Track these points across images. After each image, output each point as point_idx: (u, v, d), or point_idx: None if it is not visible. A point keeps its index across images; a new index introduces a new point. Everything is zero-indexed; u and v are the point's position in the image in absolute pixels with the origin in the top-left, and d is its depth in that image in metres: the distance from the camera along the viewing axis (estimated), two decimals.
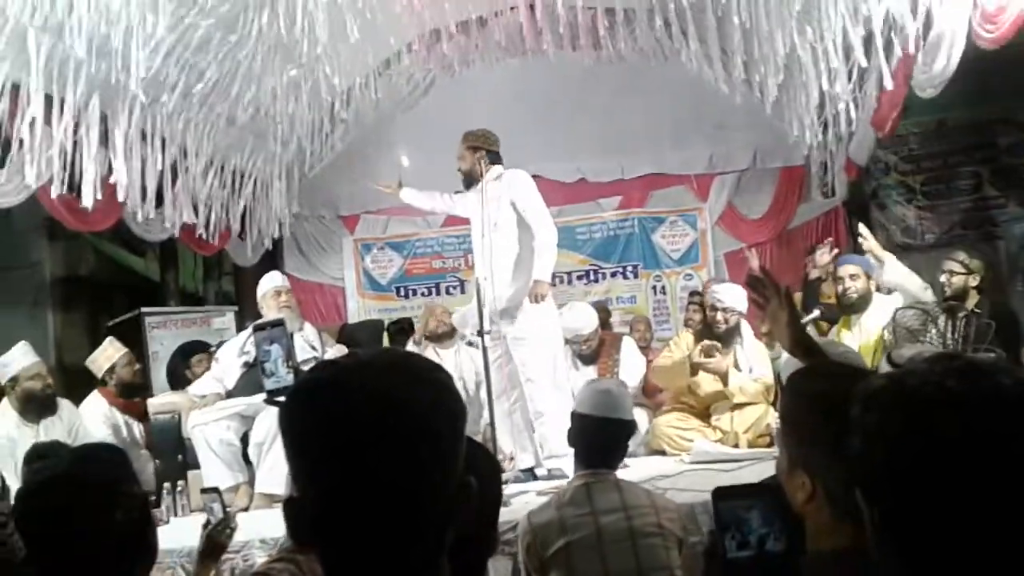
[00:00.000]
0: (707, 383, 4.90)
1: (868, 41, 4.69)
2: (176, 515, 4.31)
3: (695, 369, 4.85)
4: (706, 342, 4.87)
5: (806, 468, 1.33)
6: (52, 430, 4.58)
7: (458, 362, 5.26)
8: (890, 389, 0.91)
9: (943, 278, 4.59)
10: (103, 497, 1.45)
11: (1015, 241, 6.06)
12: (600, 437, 2.74)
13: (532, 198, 4.78)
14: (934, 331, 4.15)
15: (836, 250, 5.96)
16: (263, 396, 4.39)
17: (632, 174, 8.13)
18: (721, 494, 1.18)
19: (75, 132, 4.65)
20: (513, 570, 2.99)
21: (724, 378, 4.80)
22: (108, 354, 5.45)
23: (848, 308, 4.70)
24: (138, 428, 5.43)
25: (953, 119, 7.47)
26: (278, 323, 4.36)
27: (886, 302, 4.60)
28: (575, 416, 2.82)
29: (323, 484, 0.88)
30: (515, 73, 7.66)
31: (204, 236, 6.37)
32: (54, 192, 4.59)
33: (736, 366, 4.89)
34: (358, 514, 0.87)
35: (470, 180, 4.86)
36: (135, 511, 1.48)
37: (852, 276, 4.67)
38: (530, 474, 4.60)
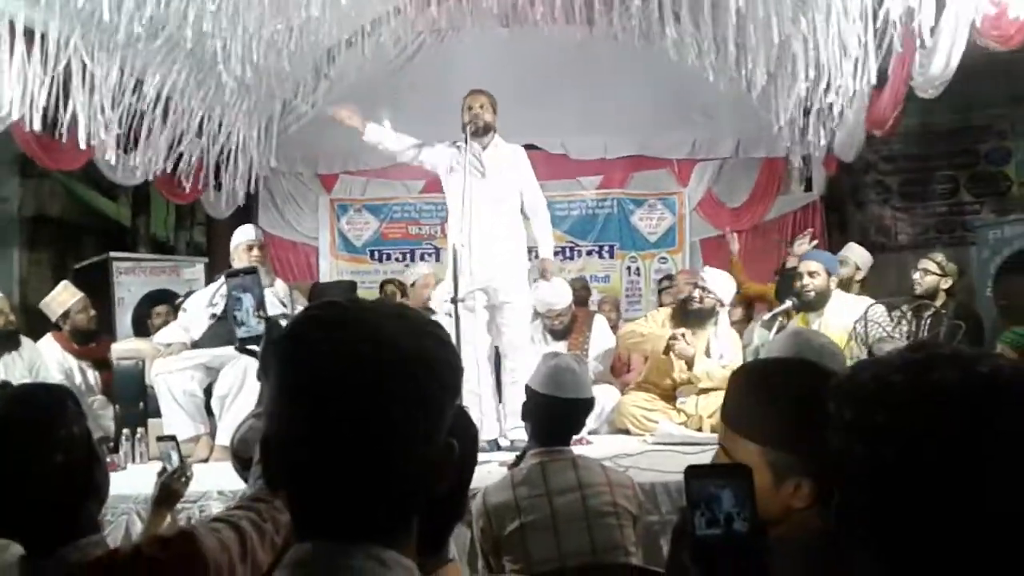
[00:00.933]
0: (676, 367, 4.92)
1: (866, 36, 4.68)
2: (134, 462, 4.27)
3: (667, 348, 4.86)
4: (679, 329, 4.87)
5: (803, 471, 1.34)
6: (12, 368, 4.52)
7: None
8: (848, 381, 0.92)
9: (916, 275, 4.64)
10: (39, 439, 1.43)
11: (987, 247, 6.13)
12: (557, 416, 2.69)
13: (534, 179, 4.91)
14: (904, 328, 4.19)
15: (815, 241, 6.00)
16: (231, 347, 4.38)
17: (615, 154, 8.14)
18: (694, 472, 1.18)
19: (54, 68, 4.54)
20: (471, 541, 2.98)
21: (690, 363, 4.82)
22: (62, 299, 5.37)
23: (805, 305, 4.71)
24: (93, 375, 5.37)
25: (937, 123, 7.53)
26: (250, 271, 4.27)
27: (851, 301, 4.62)
28: (530, 392, 2.75)
29: (305, 424, 0.85)
30: (504, 43, 7.59)
31: (179, 184, 6.28)
32: (29, 127, 4.49)
33: (707, 351, 4.91)
34: (336, 459, 0.85)
35: (477, 132, 4.68)
36: (77, 451, 1.46)
37: (811, 273, 4.67)
38: (494, 444, 4.60)
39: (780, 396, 1.41)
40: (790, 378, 1.45)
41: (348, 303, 0.92)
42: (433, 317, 5.25)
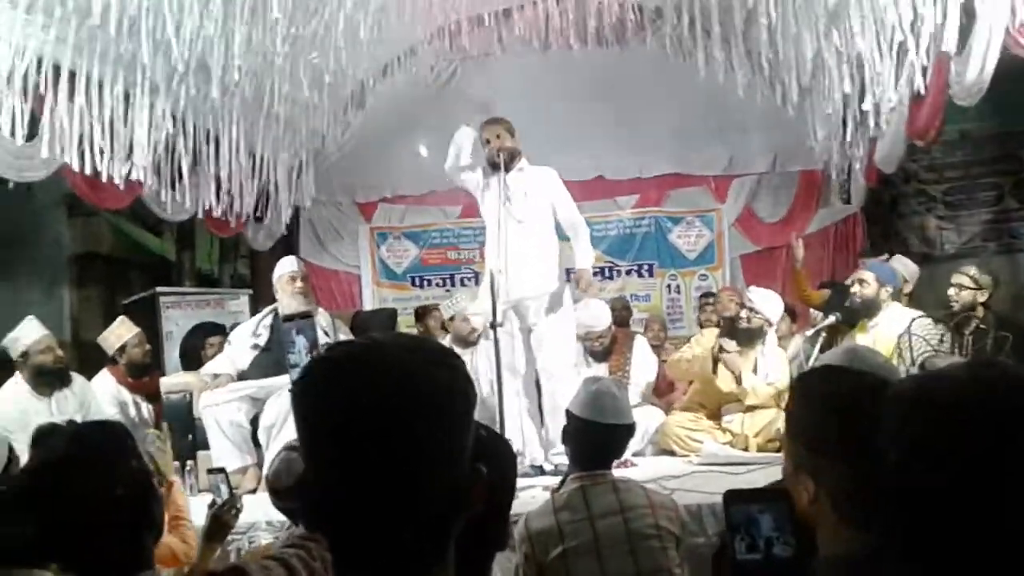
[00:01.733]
0: (724, 380, 4.89)
1: (901, 48, 4.65)
2: (185, 494, 4.33)
3: (716, 363, 4.85)
4: (724, 339, 4.86)
5: (809, 470, 1.33)
6: (64, 404, 4.61)
7: (474, 361, 5.26)
8: (915, 395, 0.90)
9: (951, 292, 4.57)
10: (102, 475, 1.48)
11: None
12: (598, 441, 2.70)
13: (568, 197, 4.90)
14: (947, 344, 4.13)
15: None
16: (276, 378, 4.45)
17: (650, 173, 8.13)
18: (733, 497, 1.18)
19: (100, 110, 4.67)
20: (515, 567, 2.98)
21: (738, 377, 4.79)
22: (119, 333, 5.48)
23: (854, 313, 4.72)
24: (146, 408, 5.46)
25: (976, 130, 7.41)
26: (306, 315, 4.40)
27: (906, 314, 4.58)
28: (571, 416, 2.76)
29: (333, 465, 0.87)
30: (537, 66, 7.64)
31: (224, 218, 6.39)
32: (76, 167, 4.62)
33: (754, 369, 4.87)
34: (366, 496, 0.86)
35: (505, 164, 4.68)
36: (136, 486, 1.51)
37: (861, 281, 4.68)
38: (539, 469, 4.60)
39: (814, 395, 1.41)
40: (830, 381, 1.44)
41: (362, 341, 0.94)
42: (468, 349, 5.29)
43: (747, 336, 4.88)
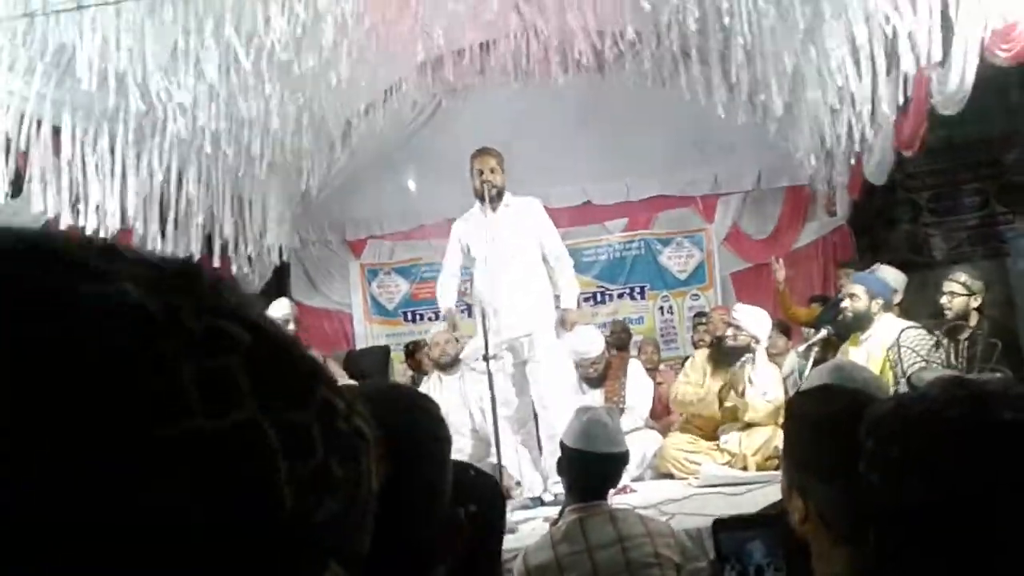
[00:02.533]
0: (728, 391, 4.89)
1: (886, 59, 4.70)
2: None
3: (720, 402, 4.86)
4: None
5: (801, 490, 1.33)
6: None
7: (463, 388, 5.25)
8: (893, 416, 0.91)
9: (944, 300, 4.58)
10: None
11: (1022, 257, 6.04)
12: (592, 471, 2.69)
13: (553, 228, 4.89)
14: (941, 353, 4.14)
15: (846, 270, 5.98)
16: None
17: (638, 196, 8.17)
18: (721, 525, 1.18)
19: (85, 162, 4.69)
20: None
21: (740, 391, 4.79)
22: None
23: (846, 327, 4.73)
24: None
25: (959, 136, 7.46)
26: None
27: (899, 325, 4.58)
28: (564, 448, 2.75)
29: None
30: (520, 96, 7.69)
31: (213, 263, 6.39)
32: (64, 223, 4.62)
33: (746, 388, 4.87)
34: None
35: (491, 199, 4.67)
36: None
37: (851, 296, 4.69)
38: (538, 501, 4.57)
39: (804, 416, 1.42)
40: (819, 401, 1.45)
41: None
42: (453, 374, 5.28)
43: (735, 354, 4.88)
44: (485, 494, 1.46)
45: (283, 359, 0.42)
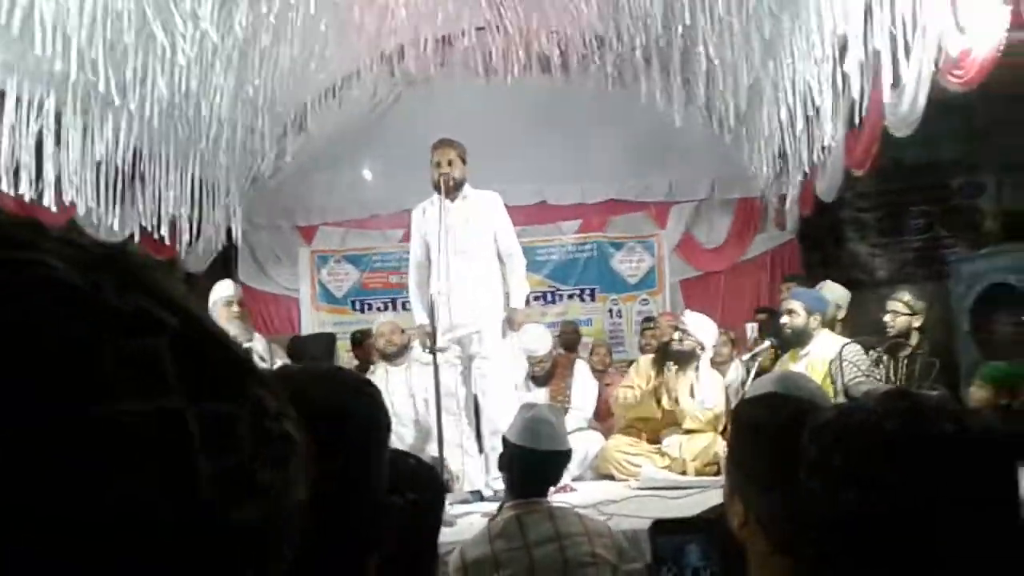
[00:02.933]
0: (664, 398, 4.93)
1: (838, 79, 4.77)
2: None
3: (658, 400, 4.89)
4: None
5: (742, 495, 1.34)
6: None
7: (408, 380, 5.22)
8: (834, 425, 0.91)
9: (887, 318, 4.67)
10: None
11: (963, 281, 6.19)
12: (533, 468, 2.69)
13: (509, 225, 4.85)
14: (880, 369, 4.22)
15: (788, 284, 6.08)
16: None
17: (593, 199, 8.20)
18: (659, 528, 1.17)
19: (23, 130, 4.55)
20: None
21: (675, 398, 4.83)
22: None
23: (786, 342, 4.80)
24: None
25: (908, 159, 7.62)
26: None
27: (837, 341, 4.66)
28: (507, 443, 2.75)
29: None
30: (480, 92, 7.67)
31: (161, 239, 6.26)
32: (4, 187, 4.49)
33: (690, 393, 4.91)
34: None
35: (449, 192, 4.63)
36: None
37: (790, 312, 4.75)
38: (478, 495, 4.56)
39: (748, 422, 1.43)
40: (764, 407, 1.46)
41: (277, 371, 0.93)
42: (399, 365, 5.24)
43: (679, 359, 4.92)
44: (424, 483, 1.45)
45: (213, 348, 0.40)
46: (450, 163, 4.66)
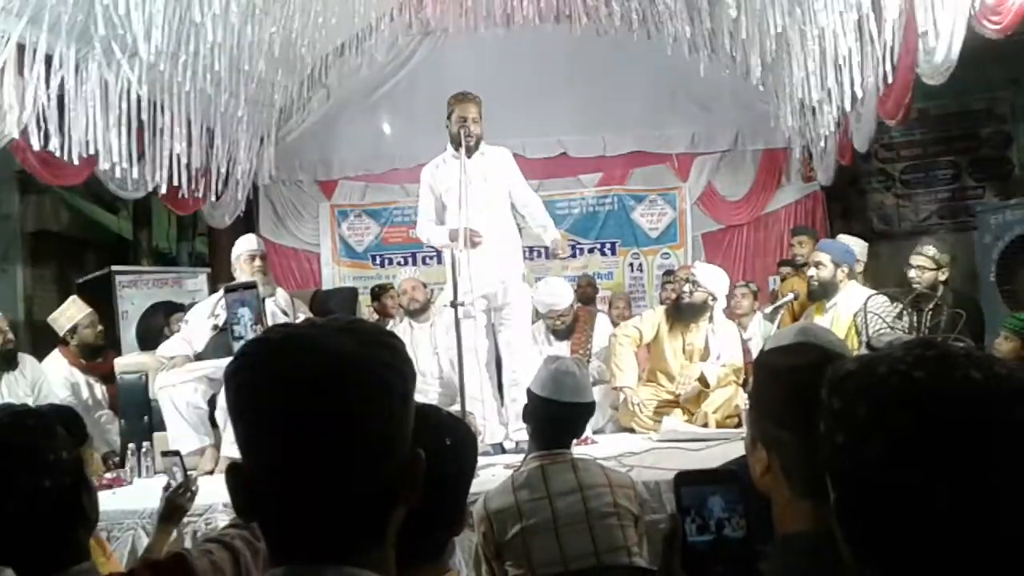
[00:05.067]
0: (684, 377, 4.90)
1: (864, 26, 4.68)
2: (141, 476, 4.27)
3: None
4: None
5: (765, 442, 1.33)
6: (15, 386, 4.52)
7: (433, 336, 5.23)
8: (858, 375, 0.89)
9: (913, 273, 4.61)
10: (27, 466, 1.42)
11: (989, 232, 6.10)
12: (557, 419, 2.70)
13: (522, 177, 4.85)
14: (905, 320, 4.18)
15: (801, 237, 6.03)
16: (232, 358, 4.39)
17: (614, 151, 8.12)
18: (683, 479, 1.17)
19: (45, 83, 4.55)
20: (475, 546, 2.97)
21: (703, 380, 4.80)
22: (70, 314, 5.38)
23: (812, 294, 4.76)
24: (100, 389, 5.38)
25: (934, 108, 7.49)
26: (250, 285, 4.33)
27: (864, 293, 4.61)
28: (531, 395, 2.76)
29: (266, 447, 0.86)
30: (500, 44, 7.59)
31: (182, 195, 6.28)
32: (32, 143, 4.50)
33: (705, 347, 4.89)
34: (299, 479, 0.84)
35: (467, 147, 4.52)
36: (65, 476, 1.45)
37: (817, 264, 4.70)
38: (499, 447, 4.60)
39: (771, 368, 1.42)
40: (789, 354, 1.45)
41: (299, 324, 0.92)
42: (424, 321, 5.25)
43: (691, 311, 4.88)
44: (456, 436, 1.45)
45: None
46: (474, 120, 4.60)
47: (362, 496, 0.86)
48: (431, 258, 8.03)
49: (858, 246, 5.32)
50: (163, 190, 5.94)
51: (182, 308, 6.30)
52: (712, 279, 4.90)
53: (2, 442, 1.43)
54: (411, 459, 0.91)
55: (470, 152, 4.54)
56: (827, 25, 5.06)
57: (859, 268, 5.36)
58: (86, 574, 1.43)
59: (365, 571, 0.87)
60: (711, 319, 4.91)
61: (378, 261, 8.31)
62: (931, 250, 4.72)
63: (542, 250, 7.91)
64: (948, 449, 0.80)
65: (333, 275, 8.25)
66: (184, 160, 6.07)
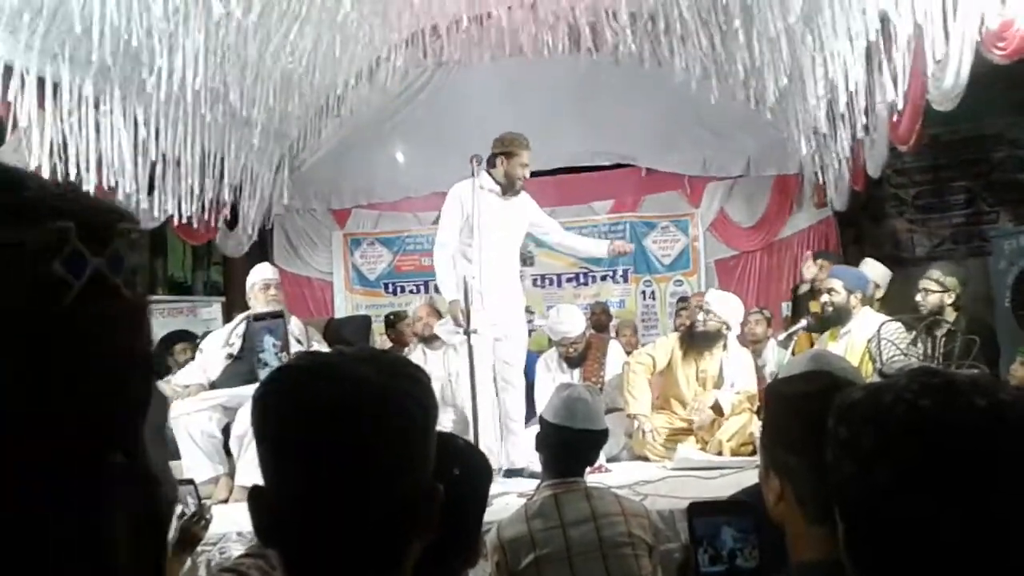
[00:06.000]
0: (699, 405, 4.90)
1: (875, 53, 4.70)
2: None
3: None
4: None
5: (777, 470, 1.33)
6: None
7: (446, 363, 5.25)
8: (864, 403, 0.90)
9: (919, 296, 4.61)
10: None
11: (1004, 257, 6.08)
12: (570, 447, 2.69)
13: (541, 212, 5.07)
14: (919, 347, 4.16)
15: (820, 261, 6.00)
16: (248, 386, 4.41)
17: (626, 178, 8.13)
18: (696, 509, 1.17)
19: (64, 117, 4.63)
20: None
21: (716, 408, 4.80)
22: None
23: (825, 321, 4.74)
24: None
25: (946, 133, 7.49)
26: (277, 315, 4.39)
27: (878, 319, 4.60)
28: (544, 423, 2.76)
29: (289, 473, 0.87)
30: (512, 72, 7.65)
31: (195, 226, 6.34)
32: (47, 174, 4.57)
33: (719, 374, 4.89)
34: (319, 505, 0.86)
35: (511, 189, 4.73)
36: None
37: (830, 290, 4.69)
38: (514, 474, 4.59)
39: (784, 395, 1.43)
40: (801, 382, 1.46)
41: (328, 352, 0.94)
42: (437, 349, 5.27)
43: (704, 339, 4.88)
44: (471, 465, 1.45)
45: None
46: (527, 167, 4.76)
47: (379, 526, 0.87)
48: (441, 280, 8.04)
49: (880, 273, 5.31)
50: (177, 220, 6.00)
51: (185, 338, 6.34)
52: (726, 307, 4.90)
53: None
54: (430, 492, 0.91)
55: (515, 192, 4.75)
56: (837, 51, 5.09)
57: (878, 295, 5.35)
58: None
59: None
60: (725, 347, 4.90)
61: (391, 289, 8.33)
62: (936, 273, 4.73)
63: (554, 277, 7.94)
64: (954, 478, 0.80)
65: (346, 303, 8.28)
66: (197, 191, 6.14)
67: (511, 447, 4.67)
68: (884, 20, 4.52)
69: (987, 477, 0.81)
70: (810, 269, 5.96)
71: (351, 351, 0.93)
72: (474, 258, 4.58)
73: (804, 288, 6.18)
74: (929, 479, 0.81)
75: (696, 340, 4.90)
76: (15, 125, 4.35)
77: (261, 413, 0.90)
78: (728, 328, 4.87)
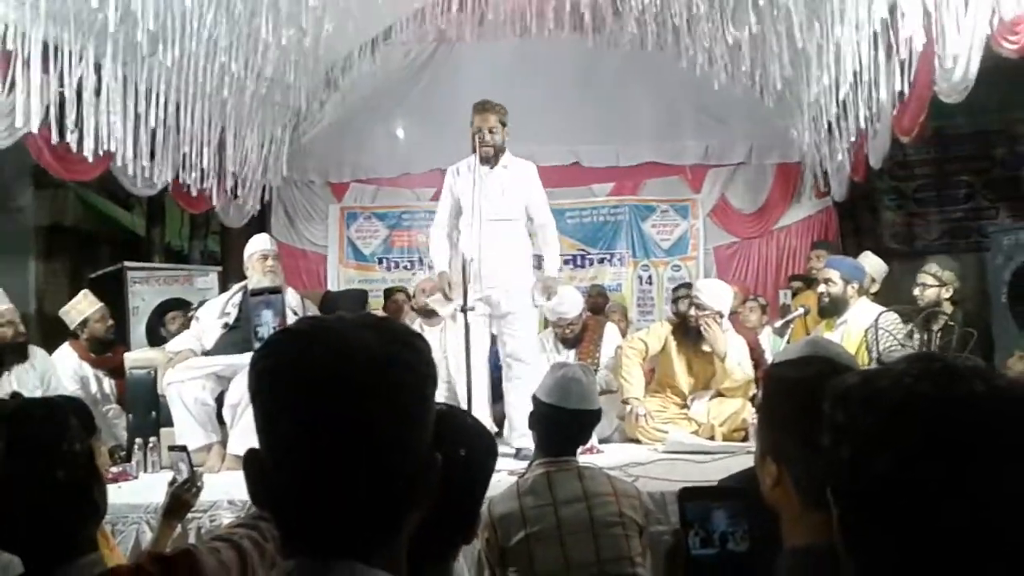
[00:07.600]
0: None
1: (881, 42, 4.68)
2: (147, 471, 4.29)
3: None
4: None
5: (775, 454, 1.33)
6: (24, 378, 4.54)
7: (443, 340, 5.24)
8: (861, 388, 0.89)
9: (916, 290, 4.62)
10: (41, 458, 1.43)
11: (1002, 253, 6.07)
12: (564, 426, 2.69)
13: (544, 197, 4.80)
14: (916, 338, 4.17)
15: (818, 251, 6.01)
16: (242, 355, 4.40)
17: (627, 161, 8.11)
18: (687, 494, 1.17)
19: (63, 80, 4.59)
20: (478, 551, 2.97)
21: (722, 355, 4.77)
22: (81, 307, 5.42)
23: (822, 311, 4.75)
24: (109, 383, 5.40)
25: (949, 127, 7.46)
26: (275, 290, 4.38)
27: (875, 310, 4.61)
28: (538, 402, 2.76)
29: (285, 438, 0.86)
30: (515, 52, 7.61)
31: (193, 193, 6.32)
32: (44, 137, 4.54)
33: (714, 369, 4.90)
34: (315, 472, 0.85)
35: (489, 159, 4.56)
36: (78, 469, 1.46)
37: (827, 281, 4.69)
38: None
39: (782, 379, 1.44)
40: (799, 366, 1.45)
41: (328, 317, 0.93)
42: (436, 325, 5.25)
43: (699, 334, 4.83)
44: (475, 443, 1.44)
45: None
46: (491, 130, 4.56)
47: (374, 493, 0.87)
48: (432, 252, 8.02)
49: (877, 266, 5.30)
50: (176, 188, 5.98)
51: (182, 305, 6.33)
52: (715, 296, 4.87)
53: (19, 433, 1.44)
54: (427, 461, 0.91)
55: (490, 162, 4.54)
56: (844, 39, 5.07)
57: (874, 288, 5.35)
58: (93, 566, 1.44)
59: (375, 570, 0.87)
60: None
61: (384, 264, 8.31)
62: (934, 267, 4.75)
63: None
64: (954, 462, 0.80)
65: (339, 277, 8.26)
66: (198, 159, 6.11)
67: (510, 431, 4.64)
68: (892, 9, 4.50)
69: (987, 462, 0.80)
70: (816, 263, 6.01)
71: (352, 317, 0.92)
72: (467, 235, 4.56)
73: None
74: (928, 463, 0.81)
75: (690, 333, 4.88)
76: (13, 86, 4.32)
77: (257, 374, 0.88)
78: (721, 316, 4.85)
